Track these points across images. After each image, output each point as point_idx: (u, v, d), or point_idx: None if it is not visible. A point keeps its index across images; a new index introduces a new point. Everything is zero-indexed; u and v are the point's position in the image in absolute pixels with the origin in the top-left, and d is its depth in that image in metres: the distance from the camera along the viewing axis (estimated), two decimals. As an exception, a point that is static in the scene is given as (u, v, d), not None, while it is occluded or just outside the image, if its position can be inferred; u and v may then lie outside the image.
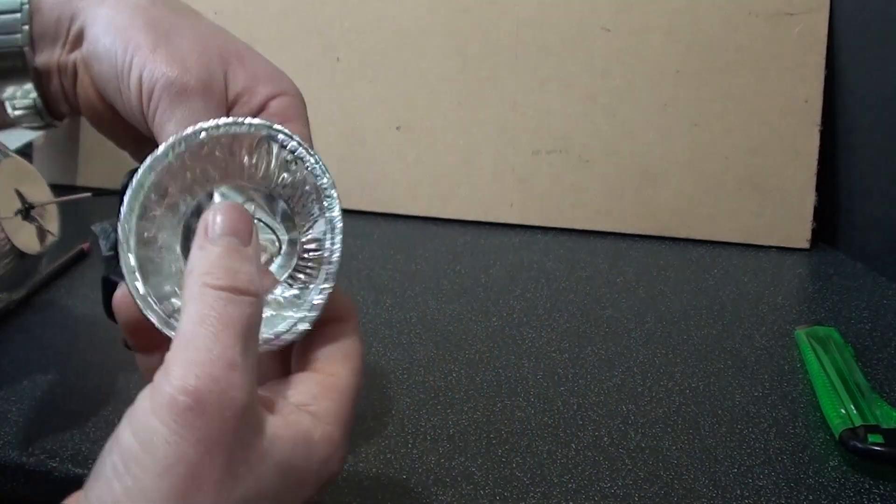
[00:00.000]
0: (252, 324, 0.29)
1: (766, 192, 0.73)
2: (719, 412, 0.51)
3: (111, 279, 0.37)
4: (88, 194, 0.37)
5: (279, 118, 0.38)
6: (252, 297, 0.30)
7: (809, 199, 0.72)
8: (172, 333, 0.32)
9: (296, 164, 0.34)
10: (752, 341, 0.59)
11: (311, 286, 0.34)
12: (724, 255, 0.72)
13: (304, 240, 0.35)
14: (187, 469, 0.26)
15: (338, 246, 0.34)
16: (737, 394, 0.53)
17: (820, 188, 0.72)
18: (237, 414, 0.27)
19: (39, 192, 0.44)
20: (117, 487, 0.26)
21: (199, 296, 0.29)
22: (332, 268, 0.33)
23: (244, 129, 0.34)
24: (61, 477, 0.46)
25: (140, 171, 0.33)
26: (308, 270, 0.34)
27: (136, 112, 0.37)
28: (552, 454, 0.47)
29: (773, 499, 0.44)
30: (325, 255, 0.34)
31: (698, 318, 0.62)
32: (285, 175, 0.34)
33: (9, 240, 0.40)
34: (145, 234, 0.33)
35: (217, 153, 0.34)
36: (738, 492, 0.44)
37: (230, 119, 0.34)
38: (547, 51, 0.76)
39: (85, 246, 0.71)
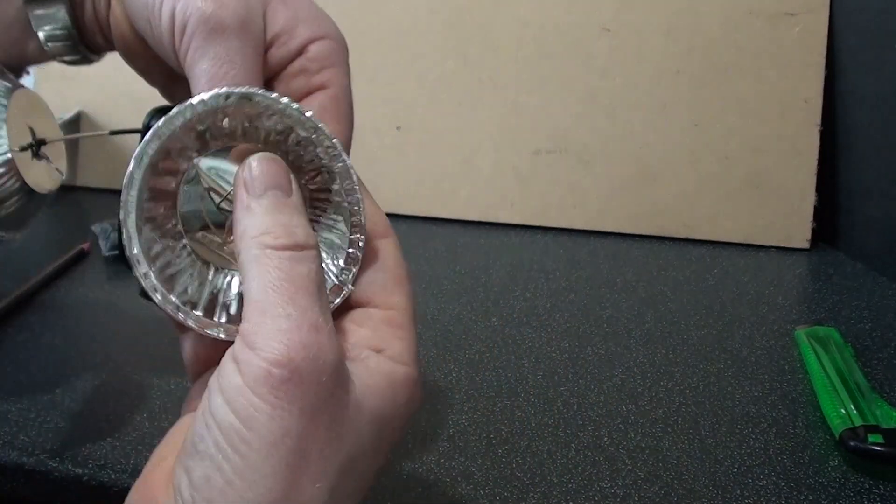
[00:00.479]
0: (320, 279, 0.28)
1: (767, 192, 0.73)
2: (719, 412, 0.51)
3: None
4: (106, 132, 0.35)
5: (318, 63, 0.36)
6: (313, 251, 0.29)
7: (809, 199, 0.72)
8: (215, 332, 0.31)
9: (280, 117, 0.32)
10: (752, 341, 0.59)
11: (338, 237, 0.32)
12: (724, 255, 0.72)
13: (313, 188, 0.33)
14: (295, 441, 0.26)
15: (357, 194, 0.32)
16: (737, 394, 0.53)
17: (820, 188, 0.72)
18: (332, 376, 0.27)
19: (49, 128, 0.42)
20: (226, 467, 0.26)
21: (260, 260, 0.28)
22: (358, 217, 0.32)
23: (227, 101, 0.31)
24: (61, 477, 0.46)
25: (127, 196, 0.31)
26: (331, 220, 0.33)
27: (167, 47, 0.35)
28: (552, 454, 0.47)
29: (773, 499, 0.44)
30: (345, 204, 0.32)
31: (698, 318, 0.62)
32: (276, 129, 0.33)
33: (20, 176, 0.38)
34: (151, 243, 0.32)
35: (184, 132, 0.31)
36: (738, 492, 0.44)
37: (212, 93, 0.31)
38: (547, 51, 0.76)
39: (85, 246, 0.71)
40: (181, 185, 0.33)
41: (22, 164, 0.39)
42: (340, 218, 0.33)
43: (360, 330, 0.31)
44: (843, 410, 0.48)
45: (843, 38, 0.71)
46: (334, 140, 0.32)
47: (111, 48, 0.41)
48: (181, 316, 0.31)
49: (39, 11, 0.39)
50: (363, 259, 0.32)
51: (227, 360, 0.27)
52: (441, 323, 0.61)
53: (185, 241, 0.33)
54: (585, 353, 0.57)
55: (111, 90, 0.82)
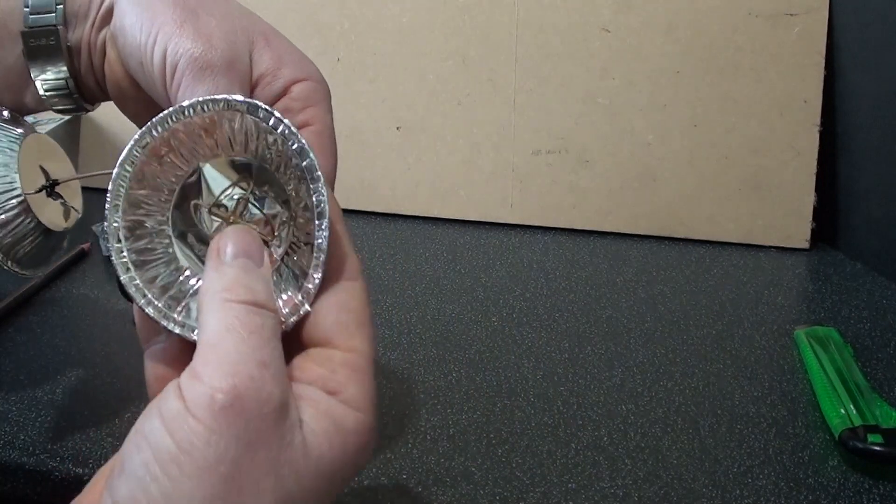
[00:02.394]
0: (275, 332, 0.29)
1: (766, 192, 0.73)
2: (719, 412, 0.51)
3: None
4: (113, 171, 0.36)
5: (301, 102, 0.38)
6: (272, 313, 0.29)
7: (809, 199, 0.72)
8: (170, 326, 0.32)
9: (278, 140, 0.32)
10: (752, 341, 0.59)
11: (308, 268, 0.32)
12: (724, 255, 0.72)
13: (297, 213, 0.33)
14: (229, 469, 0.25)
15: (324, 232, 0.31)
16: (737, 394, 0.53)
17: (820, 188, 0.72)
18: (276, 409, 0.27)
19: (63, 169, 0.44)
20: (154, 489, 0.25)
21: (220, 309, 0.29)
22: (322, 256, 0.32)
23: (218, 105, 0.32)
24: (61, 477, 0.47)
25: (117, 164, 0.32)
26: (300, 249, 0.33)
27: (158, 87, 0.37)
28: (552, 454, 0.47)
29: (773, 499, 0.44)
30: (317, 241, 0.32)
31: (698, 318, 0.62)
32: (269, 152, 0.33)
33: (35, 217, 0.40)
34: (132, 224, 0.33)
35: (197, 132, 0.32)
36: (738, 492, 0.44)
37: (199, 99, 0.32)
38: (547, 51, 0.76)
39: (85, 246, 0.71)
40: (180, 183, 0.33)
41: (36, 205, 0.41)
42: (308, 247, 0.32)
43: (317, 369, 0.30)
44: (842, 410, 0.48)
45: (843, 38, 0.71)
46: (319, 180, 0.31)
47: (106, 97, 0.43)
48: (142, 301, 0.32)
49: (43, 69, 0.41)
50: (326, 297, 0.32)
51: (169, 388, 0.27)
52: (441, 323, 0.61)
53: (169, 235, 0.33)
54: (585, 353, 0.57)
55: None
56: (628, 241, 0.75)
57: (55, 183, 0.42)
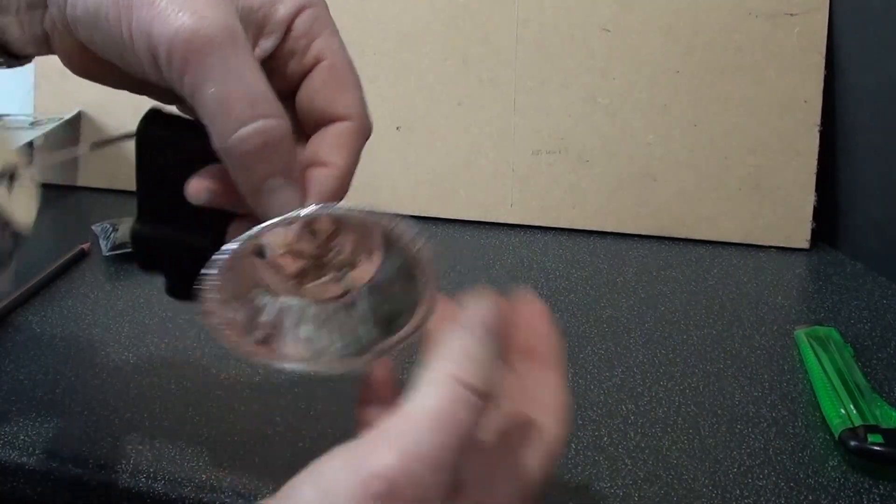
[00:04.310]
0: (473, 429, 0.29)
1: (766, 192, 0.73)
2: (719, 412, 0.51)
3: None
4: (85, 150, 0.34)
5: (305, 39, 0.34)
6: (485, 403, 0.29)
7: (809, 199, 0.72)
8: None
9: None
10: (752, 341, 0.59)
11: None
12: (724, 255, 0.72)
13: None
14: None
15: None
16: (737, 394, 0.53)
17: (820, 188, 0.72)
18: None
19: (10, 155, 0.41)
20: None
21: (443, 385, 0.28)
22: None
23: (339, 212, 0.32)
24: (61, 477, 0.46)
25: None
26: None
27: (152, 75, 0.31)
28: (552, 454, 0.47)
29: (773, 499, 0.44)
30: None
31: (698, 318, 0.62)
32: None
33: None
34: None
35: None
36: (738, 492, 0.44)
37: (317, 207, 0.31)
38: (547, 51, 0.76)
39: (85, 246, 0.71)
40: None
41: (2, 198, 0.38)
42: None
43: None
44: (842, 410, 0.48)
45: (843, 38, 0.71)
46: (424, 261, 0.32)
47: (44, 53, 0.36)
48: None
49: None
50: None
51: (344, 448, 0.28)
52: (441, 323, 0.61)
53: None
54: (585, 353, 0.57)
55: (111, 90, 0.82)
56: (628, 241, 0.75)
57: (14, 171, 0.38)
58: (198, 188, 0.32)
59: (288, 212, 0.30)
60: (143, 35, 0.30)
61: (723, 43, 0.72)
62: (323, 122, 0.34)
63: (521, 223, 0.77)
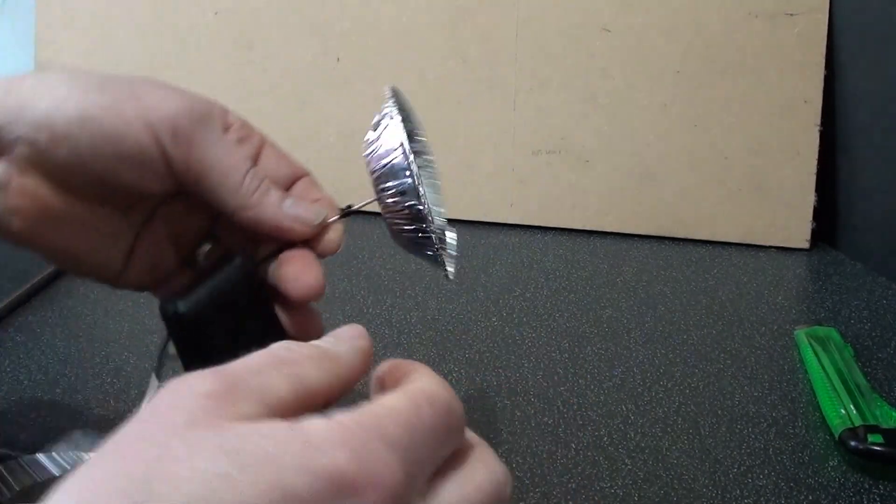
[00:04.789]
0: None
1: (766, 192, 0.73)
2: (719, 412, 0.51)
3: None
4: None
5: (244, 130, 0.39)
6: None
7: (809, 199, 0.72)
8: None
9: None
10: (752, 341, 0.59)
11: None
12: (724, 255, 0.72)
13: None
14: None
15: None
16: (737, 394, 0.53)
17: (820, 188, 0.72)
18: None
19: None
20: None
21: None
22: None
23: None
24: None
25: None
26: None
27: (159, 163, 0.36)
28: (552, 454, 0.47)
29: (773, 499, 0.44)
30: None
31: (698, 318, 0.62)
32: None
33: None
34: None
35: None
36: (738, 492, 0.44)
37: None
38: (547, 51, 0.76)
39: (85, 246, 0.71)
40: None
41: None
42: None
43: None
44: (842, 410, 0.48)
45: (843, 38, 0.71)
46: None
47: None
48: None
49: None
50: None
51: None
52: (441, 323, 0.61)
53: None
54: (585, 353, 0.57)
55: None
56: (628, 241, 0.75)
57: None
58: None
59: (319, 214, 0.39)
60: (143, 122, 0.35)
61: (723, 43, 0.72)
62: (290, 182, 0.40)
63: (521, 223, 0.77)
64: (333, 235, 0.39)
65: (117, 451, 0.22)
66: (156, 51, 0.80)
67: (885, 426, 0.46)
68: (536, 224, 0.77)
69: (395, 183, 0.37)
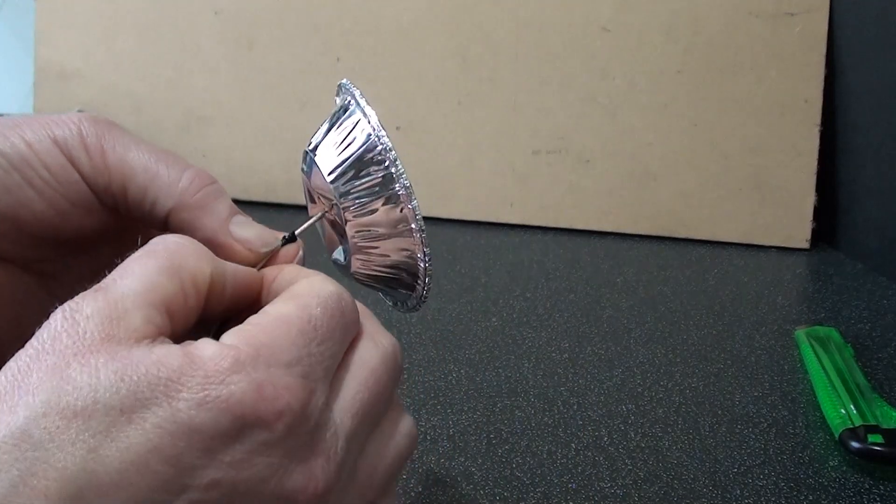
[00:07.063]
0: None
1: (766, 192, 0.73)
2: (719, 412, 0.51)
3: None
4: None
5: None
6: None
7: (809, 199, 0.72)
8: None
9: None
10: (752, 341, 0.59)
11: None
12: (724, 255, 0.72)
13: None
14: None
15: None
16: (737, 394, 0.53)
17: (820, 188, 0.72)
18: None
19: None
20: None
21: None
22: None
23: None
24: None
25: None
26: None
27: (68, 180, 0.30)
28: (552, 454, 0.47)
29: (773, 499, 0.44)
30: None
31: (698, 318, 0.62)
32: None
33: None
34: None
35: None
36: (738, 492, 0.44)
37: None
38: (547, 51, 0.76)
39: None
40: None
41: None
42: None
43: None
44: (843, 410, 0.48)
45: (843, 38, 0.71)
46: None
47: None
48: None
49: None
50: None
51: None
52: (441, 323, 0.61)
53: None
54: (585, 353, 0.57)
55: (111, 90, 0.82)
56: (628, 241, 0.75)
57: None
58: None
59: (268, 242, 0.34)
60: (48, 137, 0.30)
61: (723, 43, 0.72)
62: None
63: (521, 223, 0.77)
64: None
65: (16, 382, 0.21)
66: (156, 51, 0.80)
67: (885, 426, 0.46)
68: (536, 224, 0.77)
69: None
